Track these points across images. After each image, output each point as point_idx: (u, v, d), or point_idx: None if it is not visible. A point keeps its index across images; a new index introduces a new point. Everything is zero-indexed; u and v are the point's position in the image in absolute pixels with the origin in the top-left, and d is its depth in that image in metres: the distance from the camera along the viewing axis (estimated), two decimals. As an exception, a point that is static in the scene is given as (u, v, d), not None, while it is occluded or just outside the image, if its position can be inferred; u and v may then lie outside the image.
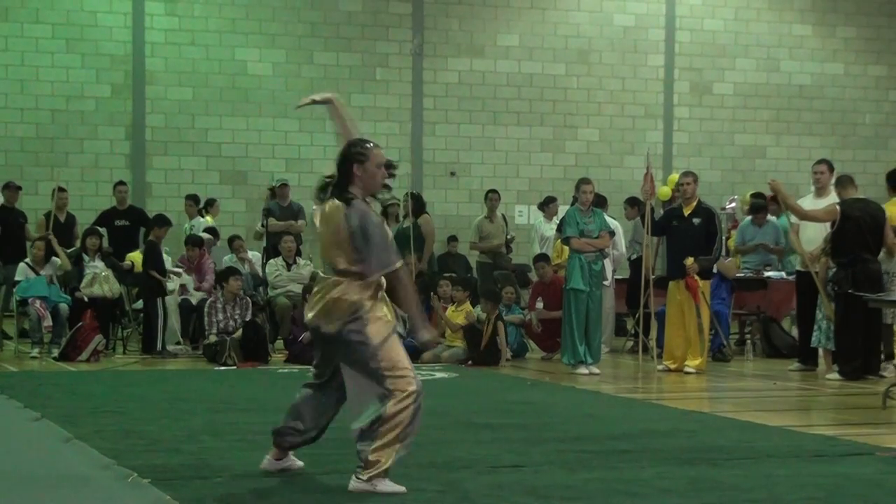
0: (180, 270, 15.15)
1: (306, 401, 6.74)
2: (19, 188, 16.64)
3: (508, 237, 17.52)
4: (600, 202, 14.52)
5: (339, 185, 6.36)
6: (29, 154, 18.79)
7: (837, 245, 12.29)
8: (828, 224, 12.51)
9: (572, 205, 13.56)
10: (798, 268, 13.49)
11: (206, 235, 16.49)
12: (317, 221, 6.51)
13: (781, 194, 12.65)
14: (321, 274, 7.03)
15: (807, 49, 22.74)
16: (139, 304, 15.21)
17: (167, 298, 14.71)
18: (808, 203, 12.98)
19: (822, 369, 12.86)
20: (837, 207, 12.27)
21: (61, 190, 16.52)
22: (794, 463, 6.93)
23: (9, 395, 10.25)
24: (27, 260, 14.83)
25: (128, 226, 16.29)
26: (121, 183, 17.32)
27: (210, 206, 18.06)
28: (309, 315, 6.45)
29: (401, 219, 16.31)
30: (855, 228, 12.22)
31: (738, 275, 14.95)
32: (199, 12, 19.85)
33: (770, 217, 15.56)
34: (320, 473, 6.74)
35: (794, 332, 14.51)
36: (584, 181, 13.63)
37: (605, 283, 14.02)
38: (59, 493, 6.28)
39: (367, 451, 6.15)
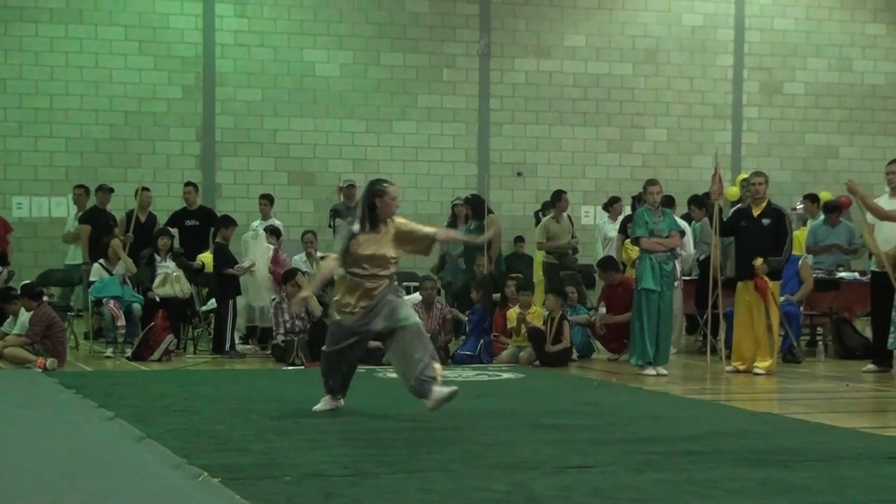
0: (252, 261, 15.20)
1: None
2: (111, 190, 16.84)
3: (573, 239, 17.37)
4: (668, 202, 14.45)
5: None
6: (103, 155, 19.06)
7: None
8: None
9: (632, 206, 13.52)
10: (873, 268, 13.33)
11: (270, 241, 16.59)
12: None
13: (860, 194, 12.49)
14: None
15: (880, 48, 22.47)
16: (210, 304, 15.35)
17: (237, 303, 14.84)
18: (884, 203, 12.80)
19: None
20: None
21: (145, 189, 16.69)
22: (866, 465, 6.85)
23: (84, 395, 10.38)
24: (101, 261, 15.01)
25: (198, 226, 16.42)
26: (187, 184, 17.44)
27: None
28: None
29: (470, 218, 16.28)
30: None
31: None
32: (268, 14, 20.01)
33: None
34: (387, 473, 6.75)
35: (868, 332, 14.32)
36: (652, 182, 13.57)
37: (676, 284, 13.95)
38: (131, 492, 6.34)
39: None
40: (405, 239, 9.18)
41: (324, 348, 9.34)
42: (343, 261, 8.94)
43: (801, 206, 18.15)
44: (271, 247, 15.52)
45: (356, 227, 8.93)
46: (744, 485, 6.43)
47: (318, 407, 9.31)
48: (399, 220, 9.18)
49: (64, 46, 19.16)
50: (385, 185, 9.03)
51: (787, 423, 9.21)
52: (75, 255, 16.63)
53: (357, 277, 8.94)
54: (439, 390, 8.80)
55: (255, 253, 15.18)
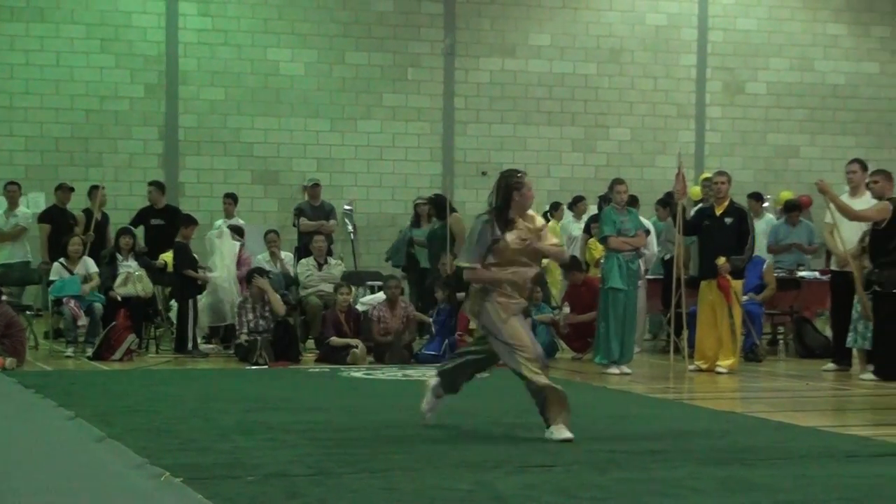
0: (212, 270, 15.15)
1: None
2: (72, 189, 16.79)
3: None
4: (632, 202, 14.50)
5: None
6: (64, 154, 18.95)
7: (883, 244, 12.19)
8: (863, 224, 12.45)
9: (598, 206, 13.55)
10: (834, 267, 13.43)
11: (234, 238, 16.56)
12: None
13: (830, 195, 12.55)
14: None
15: (841, 48, 22.64)
16: (172, 303, 15.30)
17: (199, 302, 14.79)
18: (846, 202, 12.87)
19: (857, 370, 12.79)
20: (890, 206, 12.17)
21: (100, 188, 16.64)
22: (827, 463, 6.90)
23: (44, 395, 10.32)
24: (61, 259, 14.92)
25: (163, 225, 16.35)
26: (151, 183, 17.36)
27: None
28: None
29: (433, 217, 16.30)
30: None
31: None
32: (231, 13, 19.95)
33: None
34: (351, 473, 6.75)
35: (828, 332, 14.42)
36: (619, 181, 13.63)
37: (640, 283, 14.01)
38: (92, 492, 6.31)
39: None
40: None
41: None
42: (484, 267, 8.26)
43: (766, 205, 18.27)
44: (237, 244, 15.47)
45: (496, 231, 8.15)
46: (706, 483, 6.47)
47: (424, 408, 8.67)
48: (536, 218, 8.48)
49: (24, 45, 19.03)
50: (521, 175, 8.34)
51: (749, 421, 9.26)
52: (8, 254, 16.44)
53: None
54: None
55: (223, 250, 15.11)
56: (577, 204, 18.01)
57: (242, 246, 15.86)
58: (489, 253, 8.15)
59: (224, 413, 9.29)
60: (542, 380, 8.09)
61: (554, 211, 18.33)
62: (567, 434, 7.86)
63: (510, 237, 8.11)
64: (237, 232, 15.94)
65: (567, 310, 14.73)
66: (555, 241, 8.90)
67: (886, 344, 12.24)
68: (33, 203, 17.34)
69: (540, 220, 8.48)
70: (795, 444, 7.84)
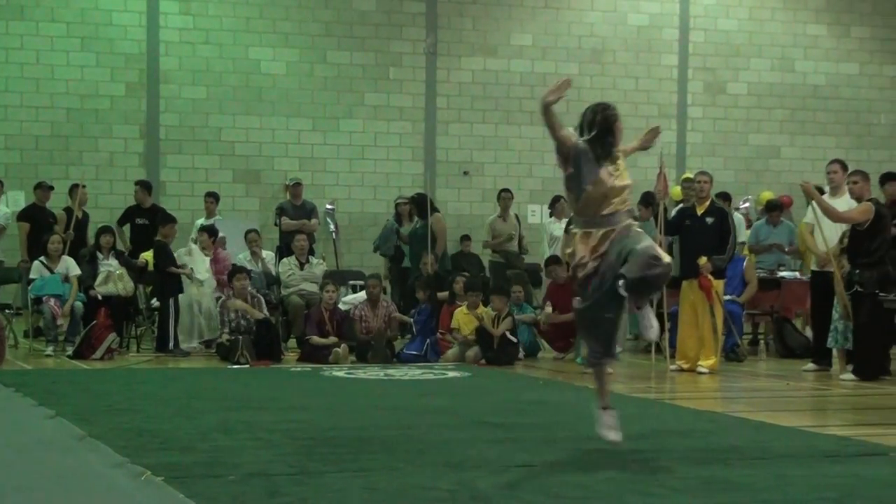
0: (189, 270, 15.11)
1: None
2: (51, 188, 16.77)
3: (511, 234, 17.46)
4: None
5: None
6: (44, 152, 18.89)
7: (864, 245, 12.24)
8: (843, 225, 12.50)
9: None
10: (814, 268, 13.48)
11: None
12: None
13: (815, 197, 12.60)
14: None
15: (822, 49, 22.72)
16: (154, 302, 15.27)
17: (181, 297, 14.76)
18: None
19: (836, 370, 12.84)
20: (872, 207, 12.22)
21: (81, 186, 16.62)
22: (807, 463, 6.94)
23: (24, 393, 10.31)
24: (42, 258, 14.88)
25: (147, 224, 16.32)
26: (137, 182, 17.37)
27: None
28: None
29: (415, 217, 16.32)
30: (886, 228, 12.21)
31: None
32: (213, 11, 19.92)
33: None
34: (332, 472, 6.75)
35: (808, 332, 14.48)
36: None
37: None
38: (72, 491, 6.31)
39: None
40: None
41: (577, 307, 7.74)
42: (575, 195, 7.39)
43: (746, 204, 18.34)
44: (207, 258, 15.36)
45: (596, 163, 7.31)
46: (687, 483, 6.49)
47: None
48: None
49: (4, 43, 18.96)
50: (613, 107, 7.55)
51: (730, 421, 9.30)
52: None
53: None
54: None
55: (195, 267, 15.06)
56: (556, 204, 18.02)
57: (217, 246, 15.82)
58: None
59: (205, 412, 9.29)
60: None
61: (555, 205, 18.18)
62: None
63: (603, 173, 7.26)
64: (210, 232, 15.85)
65: (549, 309, 14.76)
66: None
67: (866, 344, 12.29)
68: (12, 202, 17.29)
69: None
70: (776, 444, 7.87)
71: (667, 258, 7.15)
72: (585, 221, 7.33)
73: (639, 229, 7.28)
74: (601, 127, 7.39)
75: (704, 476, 6.71)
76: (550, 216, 18.26)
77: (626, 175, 7.35)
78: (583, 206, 7.30)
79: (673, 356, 13.27)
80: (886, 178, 13.39)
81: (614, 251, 7.10)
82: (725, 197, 16.45)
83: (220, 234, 16.46)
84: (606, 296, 7.22)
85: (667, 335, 13.60)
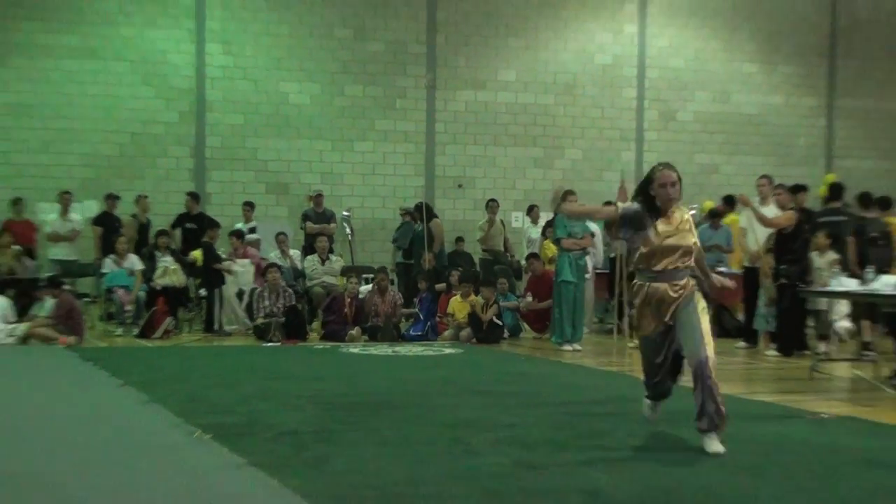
0: (230, 264, 15.16)
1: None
2: (119, 198, 16.96)
3: (490, 234, 17.51)
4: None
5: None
6: (113, 169, 18.89)
7: (788, 245, 12.31)
8: (769, 229, 12.57)
9: (554, 213, 13.60)
10: (746, 264, 13.55)
11: (254, 236, 16.58)
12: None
13: (751, 206, 12.67)
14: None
15: (754, 84, 22.75)
16: (202, 292, 15.32)
17: (224, 287, 14.81)
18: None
19: (762, 347, 12.90)
20: (795, 215, 12.30)
21: (144, 197, 16.87)
22: (739, 424, 7.00)
23: (99, 366, 10.37)
24: (112, 256, 14.97)
25: (195, 228, 16.41)
26: (188, 193, 17.56)
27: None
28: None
29: (418, 222, 16.37)
30: (805, 232, 12.28)
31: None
32: (249, 52, 19.92)
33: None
34: (349, 431, 6.76)
35: (740, 316, 14.54)
36: (570, 192, 13.65)
37: (588, 276, 14.08)
38: (138, 447, 6.34)
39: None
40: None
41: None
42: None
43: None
44: (243, 269, 15.39)
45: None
46: (641, 440, 6.56)
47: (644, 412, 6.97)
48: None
49: (80, 78, 18.95)
50: (660, 168, 6.47)
51: (677, 389, 9.31)
52: (64, 252, 16.43)
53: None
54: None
55: (239, 276, 15.17)
56: (531, 211, 18.13)
57: (249, 244, 15.85)
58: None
59: (244, 382, 9.35)
60: None
61: (530, 212, 18.35)
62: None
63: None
64: (237, 235, 15.88)
65: (529, 298, 14.83)
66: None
67: (788, 326, 12.38)
68: (87, 209, 17.32)
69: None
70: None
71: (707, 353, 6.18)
72: (644, 274, 6.39)
73: (697, 306, 6.30)
74: (644, 181, 6.51)
75: (654, 433, 6.77)
76: (529, 222, 18.35)
77: (687, 235, 6.28)
78: (637, 261, 6.39)
79: (632, 336, 13.32)
80: (797, 189, 13.47)
81: (678, 325, 6.28)
82: None
83: (256, 236, 16.53)
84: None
85: (626, 318, 13.68)
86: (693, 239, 6.33)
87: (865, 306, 11.43)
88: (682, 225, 6.30)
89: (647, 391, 6.79)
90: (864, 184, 16.63)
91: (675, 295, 6.28)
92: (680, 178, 6.39)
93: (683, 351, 6.32)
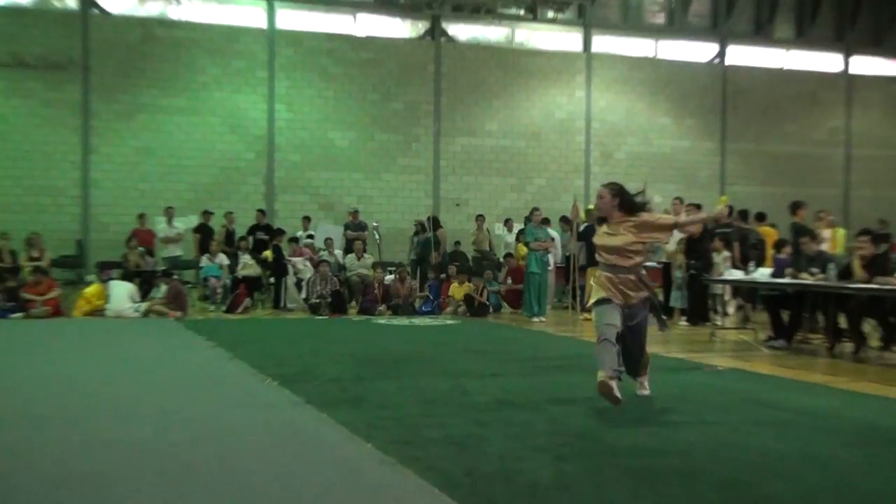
0: (296, 261, 15.12)
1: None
2: (212, 213, 16.94)
3: (479, 239, 17.43)
4: (545, 221, 14.56)
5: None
6: (208, 193, 18.88)
7: (696, 247, 12.30)
8: (680, 234, 12.53)
9: (524, 223, 13.60)
10: (664, 260, 13.50)
11: (309, 241, 16.50)
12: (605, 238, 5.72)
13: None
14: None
15: (667, 132, 22.72)
16: (271, 280, 15.27)
17: (287, 279, 14.76)
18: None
19: (676, 319, 12.85)
20: (701, 225, 12.30)
21: (230, 213, 16.83)
22: (659, 374, 6.97)
23: (197, 333, 10.35)
24: (207, 254, 14.96)
25: (264, 236, 16.37)
26: (258, 210, 17.52)
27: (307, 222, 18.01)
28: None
29: (427, 230, 16.32)
30: (707, 238, 12.27)
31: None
32: (305, 110, 19.91)
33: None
34: (378, 379, 6.73)
35: (660, 296, 14.45)
36: (536, 209, 13.70)
37: (549, 268, 14.03)
38: (225, 391, 6.33)
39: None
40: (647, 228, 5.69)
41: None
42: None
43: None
44: (304, 266, 15.29)
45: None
46: (588, 386, 6.49)
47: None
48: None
49: (185, 128, 18.93)
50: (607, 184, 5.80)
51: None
52: (171, 251, 16.40)
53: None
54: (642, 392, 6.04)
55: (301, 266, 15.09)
56: (507, 223, 18.10)
57: (298, 245, 15.76)
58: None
59: (301, 343, 9.33)
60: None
61: (505, 224, 18.27)
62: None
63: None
64: (294, 241, 15.78)
65: (509, 280, 14.77)
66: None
67: (694, 304, 12.32)
68: (189, 221, 17.31)
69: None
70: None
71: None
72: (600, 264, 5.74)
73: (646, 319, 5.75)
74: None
75: (594, 382, 6.72)
76: (506, 230, 18.29)
77: (624, 237, 5.62)
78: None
79: (582, 311, 13.27)
80: (692, 206, 13.40)
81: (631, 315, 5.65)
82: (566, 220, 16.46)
83: (311, 241, 16.46)
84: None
85: (578, 298, 13.63)
86: (629, 240, 5.62)
87: (748, 290, 11.43)
88: (623, 229, 5.66)
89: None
90: (747, 203, 16.62)
91: (618, 282, 5.60)
92: (614, 195, 5.68)
93: (629, 341, 5.72)
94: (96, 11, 18.61)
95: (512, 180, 21.37)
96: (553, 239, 14.24)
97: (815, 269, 9.35)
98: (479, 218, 17.87)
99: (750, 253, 12.38)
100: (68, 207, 18.40)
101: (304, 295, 14.53)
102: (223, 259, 15.03)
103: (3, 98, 18.02)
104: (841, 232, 13.80)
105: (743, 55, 23.47)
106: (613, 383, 5.34)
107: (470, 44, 21.30)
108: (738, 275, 10.85)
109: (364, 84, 20.35)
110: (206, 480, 3.76)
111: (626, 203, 5.67)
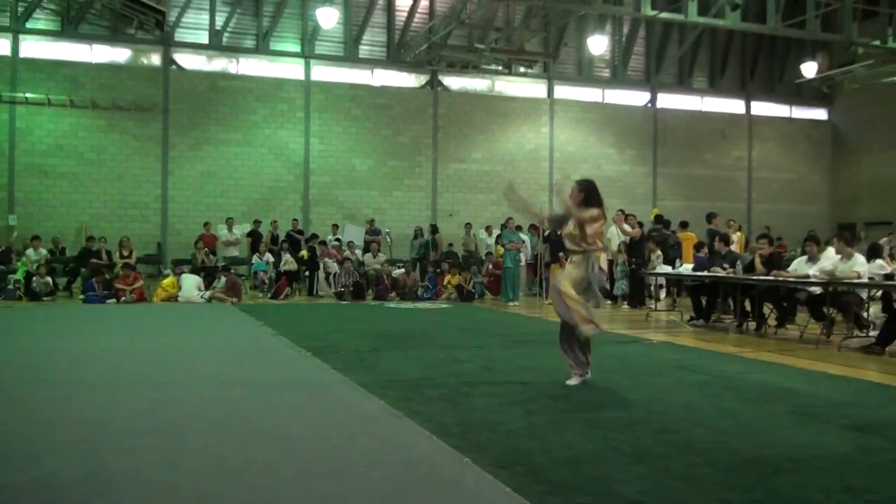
0: (328, 260, 15.02)
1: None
2: (260, 222, 16.87)
3: (467, 241, 17.37)
4: (518, 228, 14.51)
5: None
6: (257, 206, 18.77)
7: (637, 247, 12.28)
8: (623, 236, 12.49)
9: (501, 229, 13.56)
10: (609, 257, 13.41)
11: (336, 243, 16.40)
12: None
13: (620, 227, 12.63)
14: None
15: (613, 159, 22.68)
16: (306, 273, 15.16)
17: (319, 272, 14.67)
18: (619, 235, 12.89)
19: (619, 304, 12.80)
20: (640, 230, 12.28)
21: (275, 222, 16.73)
22: (605, 346, 6.94)
23: (249, 315, 10.28)
24: (256, 254, 14.85)
25: (301, 238, 16.27)
26: (294, 219, 17.42)
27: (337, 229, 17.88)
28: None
29: (426, 235, 16.25)
30: (644, 240, 12.24)
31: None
32: (334, 143, 19.82)
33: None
34: (389, 350, 6.68)
35: (607, 286, 14.36)
36: (510, 219, 13.68)
37: (521, 264, 13.98)
38: (269, 360, 6.28)
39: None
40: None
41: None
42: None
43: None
44: (332, 262, 15.18)
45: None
46: (553, 357, 6.47)
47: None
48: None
49: (237, 157, 18.83)
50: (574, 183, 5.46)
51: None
52: (229, 251, 16.31)
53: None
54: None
55: (327, 265, 14.97)
56: (488, 229, 18.06)
57: (330, 248, 15.65)
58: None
59: (329, 322, 9.26)
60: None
61: (486, 229, 18.21)
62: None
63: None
64: (323, 244, 15.64)
65: (490, 267, 14.70)
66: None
67: (634, 292, 12.28)
68: (243, 228, 17.22)
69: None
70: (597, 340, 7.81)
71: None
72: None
73: (592, 277, 5.28)
74: None
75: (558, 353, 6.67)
76: (487, 235, 18.22)
77: (572, 227, 5.27)
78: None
79: (546, 298, 13.21)
80: (626, 215, 13.36)
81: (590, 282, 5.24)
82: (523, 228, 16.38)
83: (337, 244, 16.35)
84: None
85: (543, 287, 13.59)
86: (587, 231, 5.17)
87: (676, 282, 11.36)
88: (570, 223, 5.23)
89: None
90: (673, 215, 16.58)
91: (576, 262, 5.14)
92: (581, 190, 5.27)
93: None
94: (174, 67, 18.62)
95: (492, 196, 21.31)
96: (524, 241, 14.21)
97: (726, 265, 9.36)
98: (468, 225, 17.84)
99: (669, 252, 12.36)
100: (151, 217, 18.31)
101: (332, 288, 14.47)
102: (269, 257, 14.95)
103: (103, 133, 17.98)
104: (744, 237, 13.81)
105: (669, 101, 23.50)
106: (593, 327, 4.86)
107: (460, 92, 21.25)
108: (667, 269, 10.82)
109: (379, 123, 20.28)
110: (258, 427, 3.75)
111: (587, 199, 5.22)
